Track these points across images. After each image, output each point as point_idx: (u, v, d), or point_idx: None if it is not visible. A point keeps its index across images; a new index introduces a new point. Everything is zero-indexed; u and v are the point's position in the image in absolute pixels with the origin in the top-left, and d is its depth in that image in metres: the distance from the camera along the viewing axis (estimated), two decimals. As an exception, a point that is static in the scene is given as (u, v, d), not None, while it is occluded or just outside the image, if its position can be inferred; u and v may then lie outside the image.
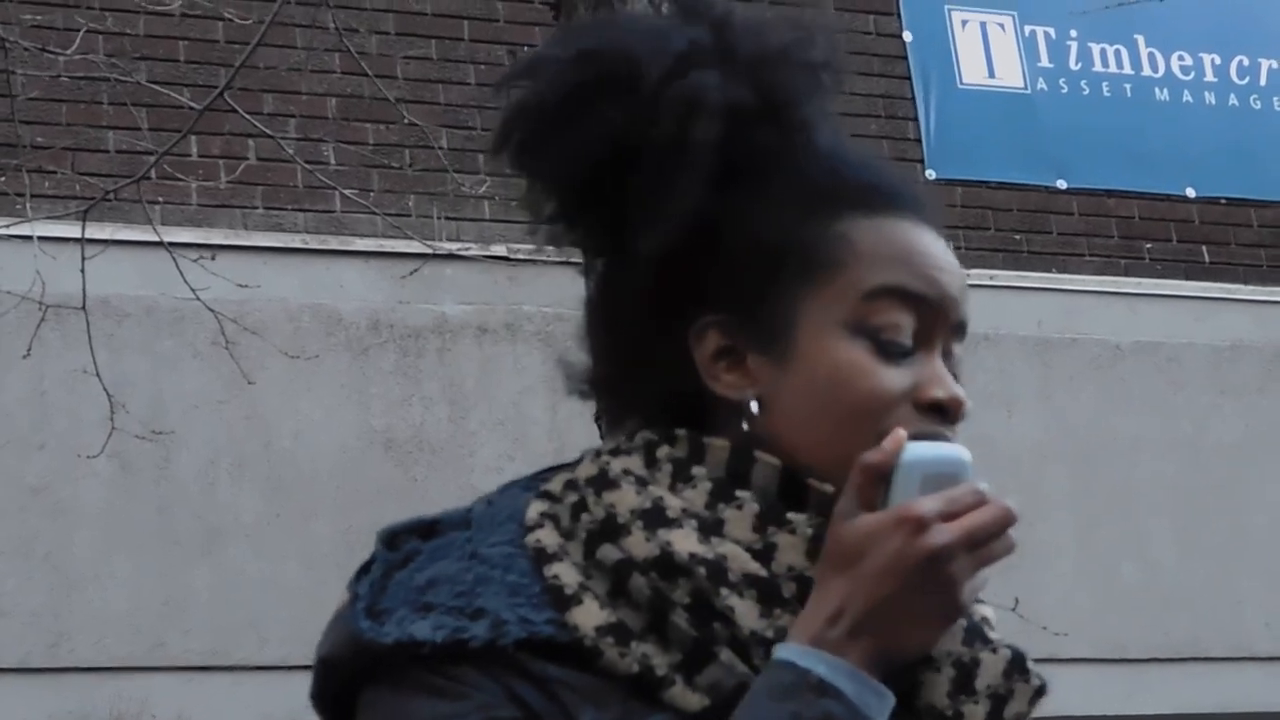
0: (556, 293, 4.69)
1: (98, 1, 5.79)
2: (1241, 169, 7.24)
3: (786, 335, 1.30)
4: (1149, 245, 6.87)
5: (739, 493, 1.29)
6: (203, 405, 5.71)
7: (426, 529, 1.32)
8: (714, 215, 1.31)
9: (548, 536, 1.29)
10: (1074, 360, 6.73)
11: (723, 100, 1.31)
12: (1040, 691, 1.30)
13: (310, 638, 1.46)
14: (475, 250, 5.66)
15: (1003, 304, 6.46)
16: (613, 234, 1.37)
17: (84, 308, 4.73)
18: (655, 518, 1.28)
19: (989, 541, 1.19)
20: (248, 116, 4.90)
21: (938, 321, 1.29)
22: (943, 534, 1.17)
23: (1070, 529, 6.66)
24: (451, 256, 5.45)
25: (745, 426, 1.30)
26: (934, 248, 1.32)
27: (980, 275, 6.48)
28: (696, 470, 1.31)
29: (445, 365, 5.88)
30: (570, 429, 4.74)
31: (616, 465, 1.34)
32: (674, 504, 1.29)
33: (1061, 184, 6.88)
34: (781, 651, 1.19)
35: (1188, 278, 6.96)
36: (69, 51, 5.14)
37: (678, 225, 1.31)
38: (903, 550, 1.17)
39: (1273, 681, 6.47)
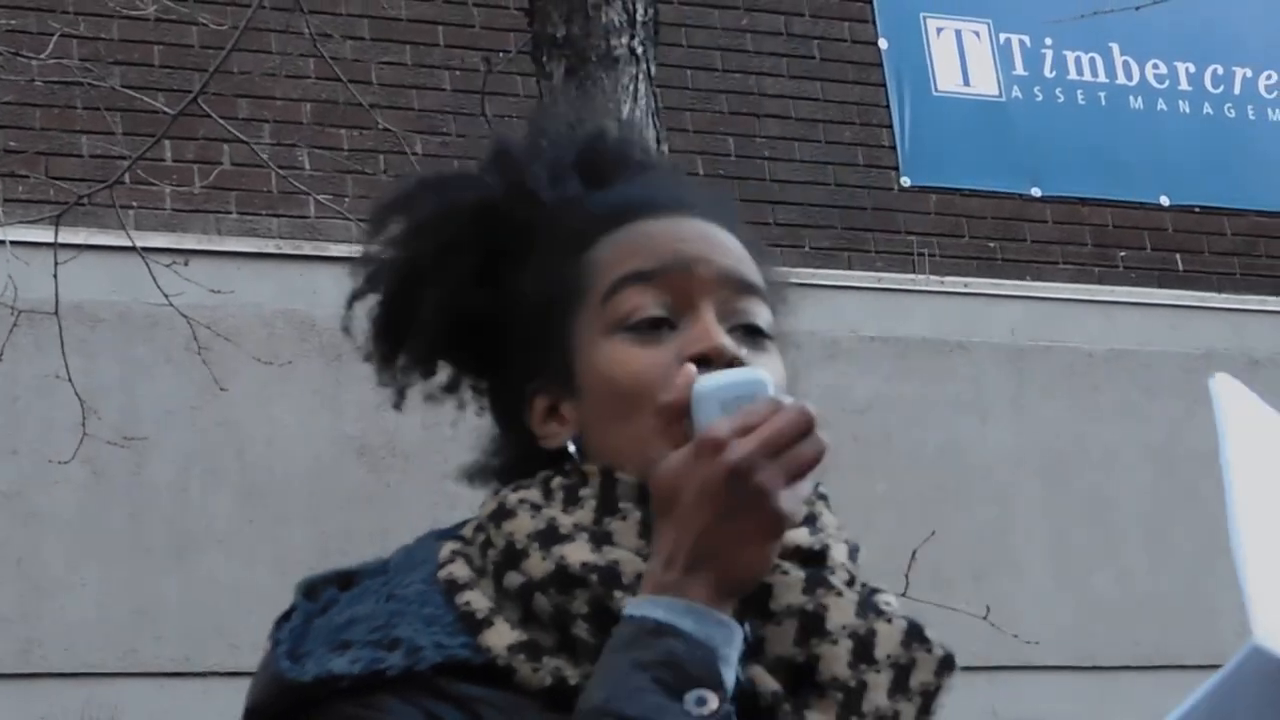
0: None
1: (72, 5, 5.80)
2: (1215, 177, 7.29)
3: (570, 368, 1.35)
4: (1123, 253, 6.94)
5: (622, 505, 1.33)
6: (175, 411, 5.68)
7: (345, 579, 1.36)
8: (492, 306, 1.39)
9: (459, 569, 1.34)
10: (1048, 368, 6.75)
11: (467, 203, 1.39)
12: (947, 663, 1.32)
13: (280, 645, 1.52)
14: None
15: (976, 311, 6.54)
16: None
17: (56, 313, 4.72)
18: (550, 536, 1.31)
19: (792, 445, 1.19)
20: (222, 121, 4.89)
21: (691, 285, 1.33)
22: (739, 448, 1.18)
23: (1043, 537, 6.72)
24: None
25: (578, 461, 1.36)
26: (673, 228, 1.37)
27: (954, 283, 6.56)
28: (584, 492, 1.35)
29: None
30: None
31: (514, 497, 1.37)
32: (566, 522, 1.32)
33: (1036, 191, 6.92)
34: (625, 609, 1.23)
35: (1161, 285, 7.00)
36: (43, 56, 5.14)
37: (435, 325, 1.38)
38: (707, 475, 1.19)
39: (1245, 689, 6.41)
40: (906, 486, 6.25)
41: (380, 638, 1.30)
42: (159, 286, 4.92)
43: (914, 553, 4.45)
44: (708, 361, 1.30)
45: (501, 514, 1.36)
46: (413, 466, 5.78)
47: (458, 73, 6.09)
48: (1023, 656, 6.01)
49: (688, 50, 6.16)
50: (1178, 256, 7.04)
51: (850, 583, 1.35)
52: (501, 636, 1.30)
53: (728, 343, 1.32)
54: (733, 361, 1.31)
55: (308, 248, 5.93)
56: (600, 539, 1.32)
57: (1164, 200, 7.11)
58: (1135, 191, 7.13)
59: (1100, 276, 7.10)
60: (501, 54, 5.52)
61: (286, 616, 1.34)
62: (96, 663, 5.69)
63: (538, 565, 1.30)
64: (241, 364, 5.49)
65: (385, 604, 1.34)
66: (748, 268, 1.40)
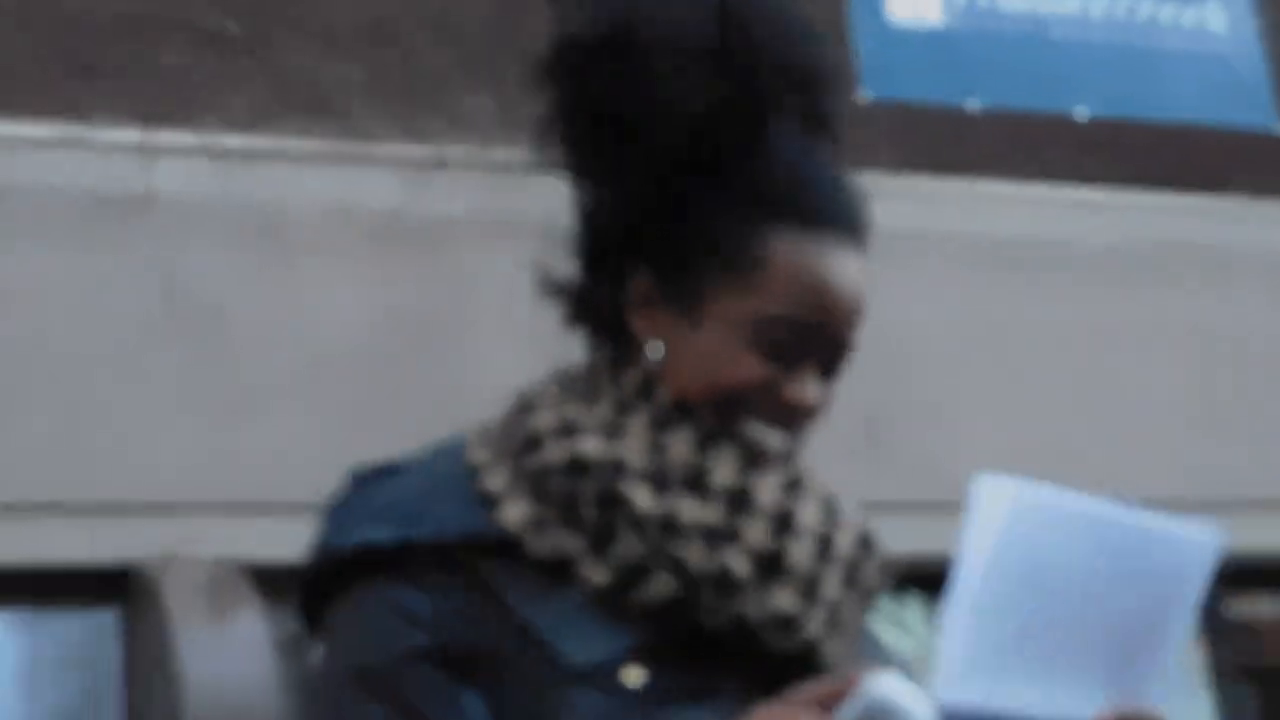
0: (557, 198, 5.21)
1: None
2: (1136, 87, 7.65)
3: (697, 309, 1.49)
4: (1053, 153, 7.50)
5: (640, 405, 1.50)
6: (238, 297, 6.06)
7: (389, 469, 1.58)
8: (681, 192, 1.51)
9: (481, 455, 1.53)
10: (975, 255, 7.26)
11: (725, 72, 1.50)
12: (888, 568, 1.59)
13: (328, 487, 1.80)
14: (476, 154, 6.24)
15: (925, 210, 7.15)
16: (610, 163, 1.57)
17: (142, 206, 5.49)
18: (567, 431, 1.48)
19: None
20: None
21: (819, 338, 1.50)
22: None
23: (988, 421, 7.07)
24: (454, 163, 6.00)
25: (650, 360, 1.51)
26: (839, 276, 1.50)
27: (904, 183, 7.12)
28: (605, 391, 1.53)
29: (457, 260, 6.27)
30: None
31: (536, 395, 1.57)
32: (583, 418, 1.50)
33: (976, 103, 7.34)
34: None
35: (1086, 180, 7.52)
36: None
37: (669, 164, 1.51)
38: None
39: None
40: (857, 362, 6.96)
41: (412, 513, 1.48)
42: (225, 180, 5.66)
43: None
44: (790, 410, 1.51)
45: (526, 409, 1.55)
46: (450, 347, 6.18)
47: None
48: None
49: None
50: (1098, 157, 7.53)
51: (814, 493, 1.52)
52: (515, 513, 1.46)
53: (813, 402, 1.52)
54: (800, 421, 1.53)
55: (356, 148, 6.23)
56: (612, 434, 1.48)
57: (1081, 110, 7.50)
58: (1058, 101, 7.48)
59: (1036, 172, 7.46)
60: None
61: (335, 500, 1.59)
62: (180, 499, 5.79)
63: (555, 453, 1.46)
64: (297, 254, 6.02)
65: (420, 485, 1.52)
66: (861, 311, 1.55)
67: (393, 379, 6.02)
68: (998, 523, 1.36)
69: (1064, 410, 7.31)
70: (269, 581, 5.59)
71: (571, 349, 1.72)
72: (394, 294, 6.15)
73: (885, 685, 1.21)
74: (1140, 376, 7.60)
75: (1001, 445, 6.70)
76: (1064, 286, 7.33)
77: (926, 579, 1.82)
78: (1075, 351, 7.51)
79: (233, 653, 5.74)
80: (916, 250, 6.95)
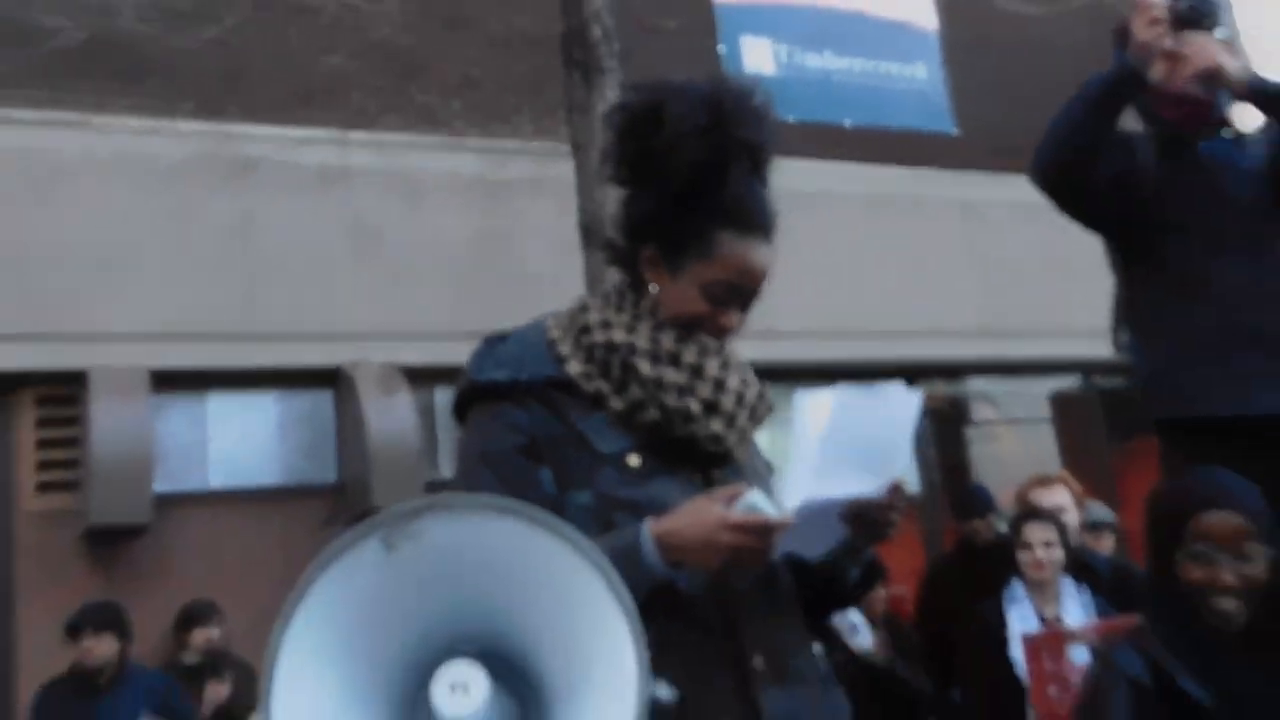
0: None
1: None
2: (877, 108, 9.53)
3: (678, 271, 1.96)
4: (834, 149, 9.12)
5: (646, 317, 1.97)
6: (393, 227, 7.85)
7: (501, 336, 2.01)
8: (678, 205, 1.95)
9: (556, 333, 2.00)
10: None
11: (705, 139, 1.88)
12: (770, 408, 2.06)
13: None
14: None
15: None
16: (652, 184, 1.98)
17: (340, 176, 7.48)
18: (605, 326, 1.96)
19: (748, 550, 1.78)
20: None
21: (740, 293, 1.98)
22: (726, 536, 1.74)
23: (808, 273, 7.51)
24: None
25: (651, 294, 1.97)
26: (756, 261, 1.94)
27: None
28: (627, 306, 1.99)
29: (521, 209, 8.07)
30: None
31: (589, 302, 2.03)
32: (613, 319, 1.96)
33: (791, 117, 8.73)
34: (644, 525, 1.80)
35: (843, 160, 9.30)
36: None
37: (669, 188, 1.92)
38: (711, 533, 1.76)
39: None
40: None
41: (517, 365, 1.94)
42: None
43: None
44: (719, 329, 1.98)
45: (582, 309, 2.02)
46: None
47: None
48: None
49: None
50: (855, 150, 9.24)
51: (735, 367, 2.00)
52: (575, 368, 1.93)
53: (734, 324, 1.96)
54: (722, 333, 1.94)
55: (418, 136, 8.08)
56: (630, 329, 1.95)
57: (848, 121, 9.26)
58: (836, 117, 9.50)
59: (822, 158, 9.01)
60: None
61: (475, 353, 2.00)
62: (364, 330, 7.63)
63: (598, 337, 1.94)
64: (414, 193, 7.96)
65: (519, 347, 1.98)
66: (766, 278, 1.96)
67: (484, 268, 7.96)
68: (824, 411, 1.91)
69: (863, 264, 9.10)
70: (413, 377, 7.79)
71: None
72: (483, 223, 8.17)
73: (754, 495, 1.73)
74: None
75: (821, 288, 8.43)
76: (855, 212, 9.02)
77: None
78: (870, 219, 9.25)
79: (392, 415, 7.54)
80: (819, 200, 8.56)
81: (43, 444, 7.14)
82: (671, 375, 1.94)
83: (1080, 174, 3.40)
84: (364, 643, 1.48)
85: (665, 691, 1.76)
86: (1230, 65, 3.30)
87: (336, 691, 1.44)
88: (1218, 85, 3.36)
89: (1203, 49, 3.33)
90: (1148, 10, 3.34)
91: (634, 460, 1.91)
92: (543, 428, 1.91)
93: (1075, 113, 3.39)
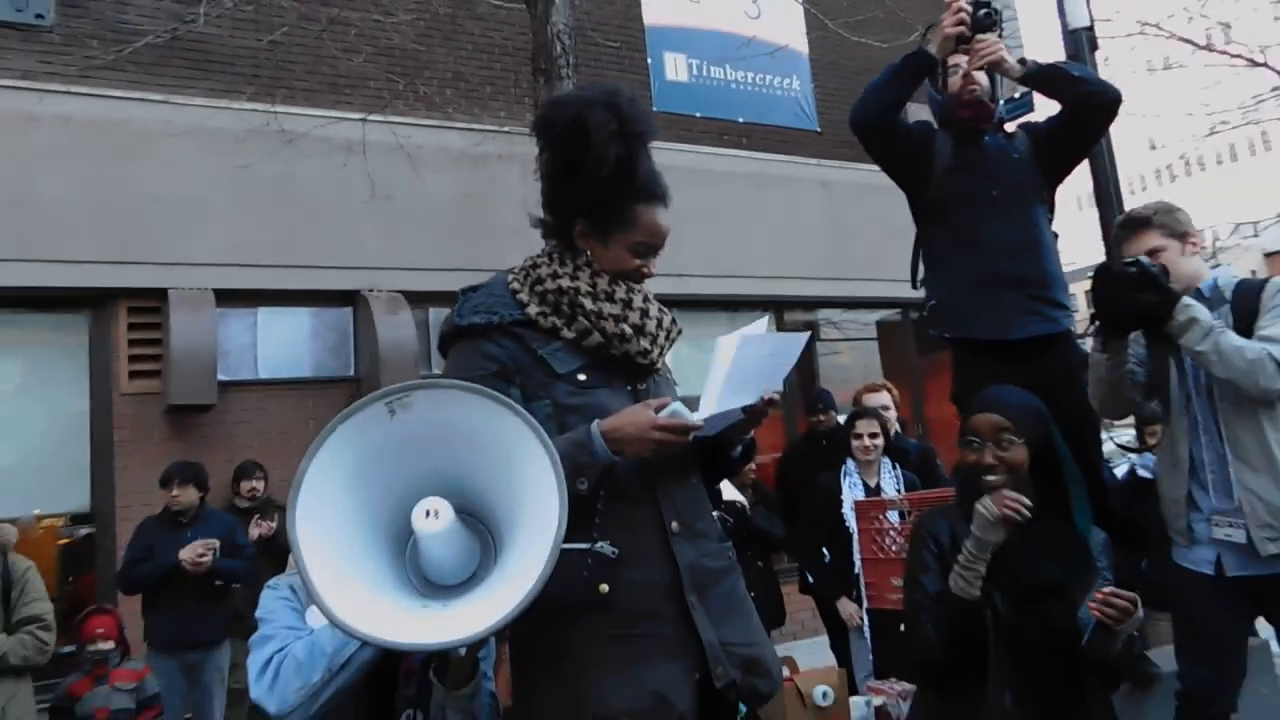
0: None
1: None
2: (761, 108, 9.02)
3: (605, 238, 1.87)
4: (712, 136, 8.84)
5: (585, 269, 1.89)
6: (396, 185, 7.42)
7: (475, 287, 1.91)
8: (603, 189, 1.84)
9: (515, 284, 1.91)
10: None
11: (619, 140, 1.80)
12: (679, 332, 1.96)
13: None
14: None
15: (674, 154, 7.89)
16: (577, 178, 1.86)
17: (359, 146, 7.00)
18: (555, 276, 1.87)
19: (670, 443, 1.73)
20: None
21: (653, 249, 1.92)
22: (656, 433, 1.69)
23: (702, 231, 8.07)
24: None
25: (586, 255, 1.89)
26: (662, 224, 1.87)
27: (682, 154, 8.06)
28: (569, 260, 1.91)
29: (500, 174, 7.70)
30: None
31: (537, 260, 1.92)
32: (561, 270, 1.87)
33: (697, 114, 8.68)
34: (594, 425, 1.72)
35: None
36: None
37: (597, 180, 1.83)
38: (644, 430, 1.70)
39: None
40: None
41: (489, 310, 1.86)
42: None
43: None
44: (639, 274, 1.87)
45: (535, 265, 1.93)
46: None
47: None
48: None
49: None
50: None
51: (653, 301, 1.93)
52: (533, 309, 1.85)
53: (650, 272, 1.87)
54: (642, 277, 1.83)
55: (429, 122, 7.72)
56: (575, 277, 1.88)
57: (740, 120, 8.86)
58: (731, 114, 9.04)
59: (704, 144, 8.83)
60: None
61: (456, 300, 1.88)
62: (376, 265, 7.38)
63: (550, 284, 1.86)
64: (428, 170, 7.59)
65: (489, 297, 1.89)
66: (666, 236, 1.86)
67: (467, 220, 7.67)
68: (731, 349, 1.82)
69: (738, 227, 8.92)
70: (412, 299, 7.49)
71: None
72: (467, 186, 7.77)
73: (676, 404, 1.70)
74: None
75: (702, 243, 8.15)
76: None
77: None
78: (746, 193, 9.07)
79: (396, 328, 7.21)
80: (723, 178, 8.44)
81: (134, 343, 6.97)
82: (608, 308, 1.91)
83: (880, 122, 3.35)
84: (368, 476, 1.50)
85: (607, 547, 1.74)
86: (1009, 58, 3.27)
87: (344, 504, 1.46)
88: (1000, 72, 3.33)
89: (991, 45, 3.29)
90: (956, 8, 3.32)
91: (582, 377, 1.87)
92: (513, 358, 1.86)
93: (883, 79, 3.37)
